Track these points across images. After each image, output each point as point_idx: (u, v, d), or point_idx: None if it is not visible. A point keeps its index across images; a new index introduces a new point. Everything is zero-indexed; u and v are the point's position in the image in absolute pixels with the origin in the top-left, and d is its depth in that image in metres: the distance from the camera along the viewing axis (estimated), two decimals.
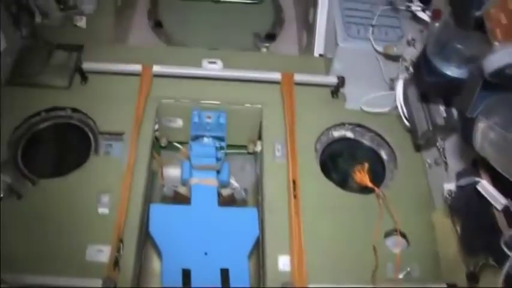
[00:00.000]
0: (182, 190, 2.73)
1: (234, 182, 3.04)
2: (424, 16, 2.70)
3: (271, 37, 3.96)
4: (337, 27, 2.98)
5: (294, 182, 2.61)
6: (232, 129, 2.96)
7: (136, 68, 2.96)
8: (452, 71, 2.20)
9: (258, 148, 3.06)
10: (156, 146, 3.08)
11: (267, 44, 3.82)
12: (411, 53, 2.72)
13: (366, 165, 2.63)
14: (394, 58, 2.85)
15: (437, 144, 2.62)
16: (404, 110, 2.68)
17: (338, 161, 2.99)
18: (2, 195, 2.42)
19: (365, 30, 2.95)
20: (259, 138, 3.06)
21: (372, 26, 2.93)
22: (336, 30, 2.97)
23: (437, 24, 2.52)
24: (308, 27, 3.56)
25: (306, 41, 3.62)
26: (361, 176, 2.62)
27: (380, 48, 2.84)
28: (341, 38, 2.93)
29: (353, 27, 2.96)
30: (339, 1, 3.12)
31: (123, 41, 3.69)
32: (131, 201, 2.49)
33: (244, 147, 3.24)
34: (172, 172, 3.17)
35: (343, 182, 2.84)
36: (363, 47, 2.92)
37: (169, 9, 4.13)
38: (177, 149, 3.23)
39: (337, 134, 3.00)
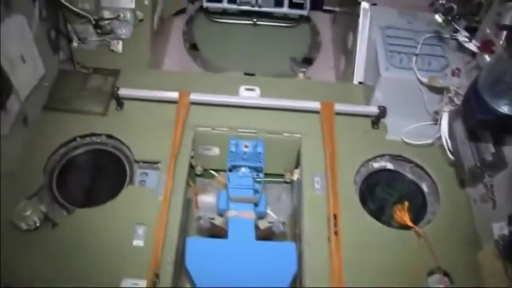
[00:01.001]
0: (219, 222, 2.66)
1: (271, 213, 2.97)
2: (472, 47, 2.61)
3: (308, 61, 3.92)
4: (379, 55, 2.91)
5: (335, 217, 2.53)
6: (269, 158, 2.86)
7: (173, 95, 2.92)
8: (505, 109, 2.11)
9: (295, 177, 2.99)
10: (191, 173, 3.03)
11: (304, 69, 3.76)
12: (456, 84, 2.64)
13: (406, 204, 2.55)
14: (438, 89, 2.75)
15: (485, 180, 2.51)
16: (449, 144, 2.59)
17: (377, 192, 2.90)
18: (38, 225, 2.40)
19: (408, 60, 2.87)
20: (296, 166, 3.00)
21: (416, 55, 2.84)
22: (378, 59, 2.90)
23: (487, 57, 2.44)
24: (347, 52, 3.49)
25: (345, 66, 3.55)
26: (401, 215, 2.55)
27: (425, 80, 2.75)
28: (383, 67, 2.86)
29: (396, 56, 2.89)
30: (380, 28, 3.05)
31: (158, 64, 3.68)
32: (167, 234, 2.45)
33: (280, 175, 3.17)
34: (207, 199, 3.14)
35: (382, 214, 2.76)
36: (405, 77, 2.84)
37: (205, 32, 4.12)
38: (212, 176, 3.18)
39: (377, 165, 2.90)
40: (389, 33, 3.00)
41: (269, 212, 2.96)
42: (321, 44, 4.10)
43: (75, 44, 3.21)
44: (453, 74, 2.70)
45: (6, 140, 2.52)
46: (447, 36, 2.87)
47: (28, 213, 2.38)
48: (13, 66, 2.49)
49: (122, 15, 3.10)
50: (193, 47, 3.94)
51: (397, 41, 2.96)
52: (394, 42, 2.96)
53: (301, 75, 3.60)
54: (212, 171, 3.18)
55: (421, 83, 2.79)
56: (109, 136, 2.85)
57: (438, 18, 2.56)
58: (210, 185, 3.21)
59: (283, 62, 3.90)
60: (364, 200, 2.76)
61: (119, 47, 3.19)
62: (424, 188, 2.85)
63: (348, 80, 3.36)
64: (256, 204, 2.70)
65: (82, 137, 2.84)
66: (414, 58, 2.83)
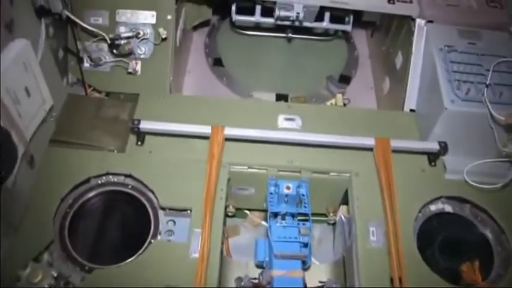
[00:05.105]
0: (261, 281, 2.30)
1: (315, 261, 2.61)
2: None
3: (345, 80, 3.52)
4: (442, 85, 2.53)
5: (400, 280, 2.16)
6: (312, 198, 2.48)
7: (205, 130, 2.51)
8: None
9: (338, 216, 2.63)
10: None
11: (342, 90, 3.34)
12: None
13: (477, 262, 2.25)
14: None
15: None
16: None
17: (435, 240, 2.51)
18: None
19: (476, 90, 2.49)
20: (340, 204, 2.66)
21: (487, 85, 2.46)
22: (441, 89, 2.52)
23: None
24: (393, 73, 3.10)
25: (389, 88, 3.16)
26: (472, 275, 2.24)
27: (501, 117, 2.37)
28: (448, 99, 2.48)
29: (462, 86, 2.50)
30: (441, 51, 2.66)
31: (180, 84, 3.26)
32: None
33: (321, 215, 2.78)
34: (239, 241, 2.81)
35: (443, 266, 2.40)
36: (474, 112, 2.48)
37: (230, 45, 3.67)
38: (244, 214, 2.82)
39: (434, 207, 2.54)
40: (452, 57, 2.60)
41: (314, 260, 2.61)
42: (358, 60, 3.71)
43: (86, 64, 2.76)
44: None
45: (9, 191, 2.10)
46: None
47: (38, 279, 2.01)
48: (17, 102, 2.07)
49: (141, 33, 2.67)
50: (217, 63, 3.50)
51: (462, 67, 2.57)
52: (458, 69, 2.56)
53: (339, 96, 3.19)
54: (246, 211, 2.85)
55: (494, 120, 2.42)
56: (128, 176, 2.45)
57: None
58: (241, 225, 2.86)
59: (317, 81, 3.49)
60: (421, 249, 2.40)
61: (137, 68, 2.75)
62: (489, 235, 2.49)
63: (394, 105, 2.99)
64: (304, 262, 2.33)
65: (97, 177, 2.44)
66: (485, 89, 2.46)
